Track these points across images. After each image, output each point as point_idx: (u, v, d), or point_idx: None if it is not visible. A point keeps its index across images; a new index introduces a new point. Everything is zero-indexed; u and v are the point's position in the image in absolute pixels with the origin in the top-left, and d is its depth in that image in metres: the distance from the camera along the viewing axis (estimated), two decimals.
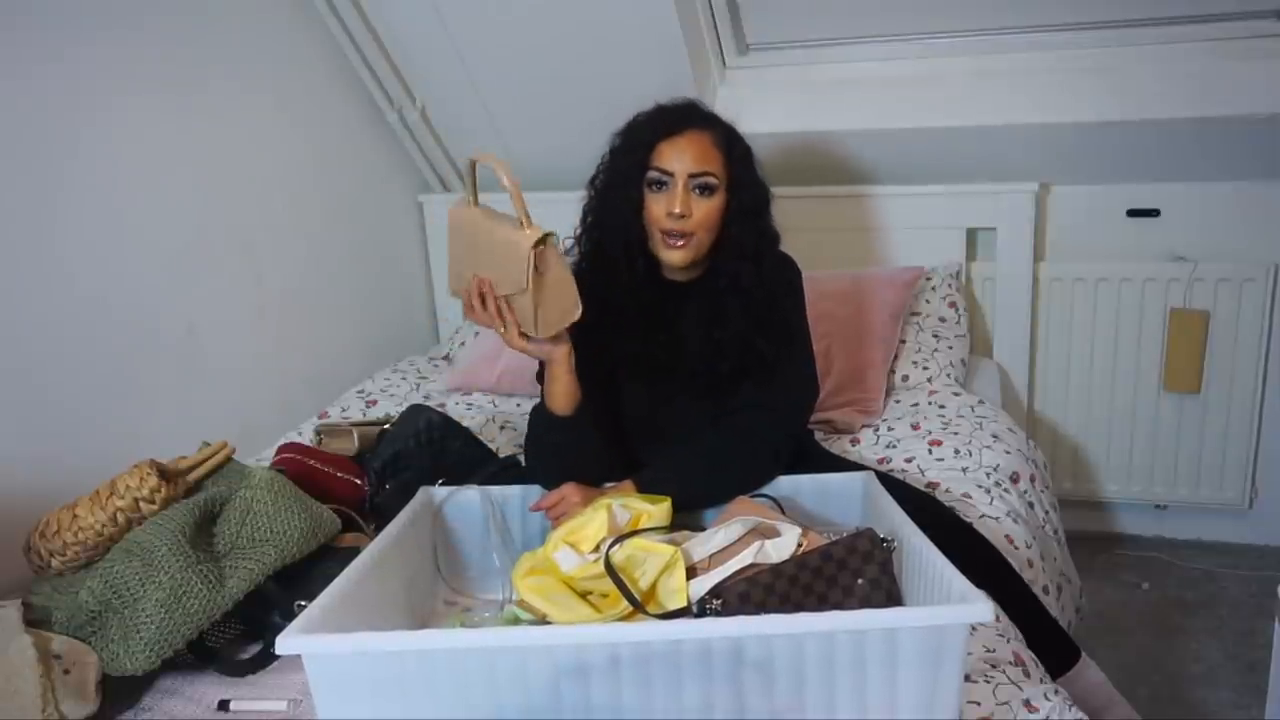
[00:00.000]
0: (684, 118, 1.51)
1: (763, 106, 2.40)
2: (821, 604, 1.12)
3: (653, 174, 1.48)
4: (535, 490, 1.48)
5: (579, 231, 1.59)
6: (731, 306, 1.53)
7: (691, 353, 1.56)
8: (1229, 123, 2.15)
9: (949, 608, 1.00)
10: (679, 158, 1.47)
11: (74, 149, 1.76)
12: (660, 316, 1.57)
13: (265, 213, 2.25)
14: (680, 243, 1.48)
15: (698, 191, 1.47)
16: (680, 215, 1.46)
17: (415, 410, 1.77)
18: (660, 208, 1.48)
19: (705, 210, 1.48)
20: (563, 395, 1.45)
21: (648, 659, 0.96)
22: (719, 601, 1.09)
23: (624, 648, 0.96)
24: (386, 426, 1.77)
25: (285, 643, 0.97)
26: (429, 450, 1.67)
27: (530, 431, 1.54)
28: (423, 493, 1.46)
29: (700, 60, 2.34)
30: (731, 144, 1.52)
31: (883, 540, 1.16)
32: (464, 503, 1.47)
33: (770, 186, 1.57)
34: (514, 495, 1.49)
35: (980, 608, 0.95)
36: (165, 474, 1.37)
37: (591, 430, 1.48)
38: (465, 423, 1.93)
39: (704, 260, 1.54)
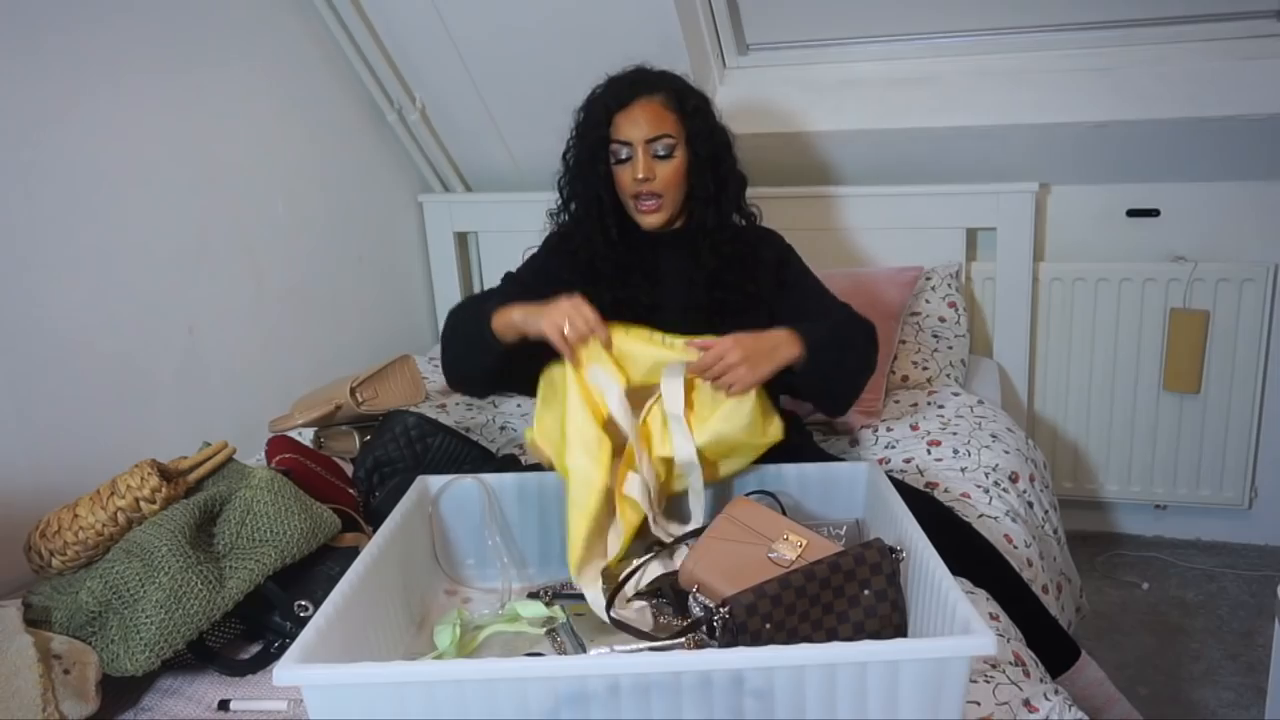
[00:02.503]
0: (631, 86, 1.61)
1: (763, 106, 2.41)
2: (827, 614, 1.12)
3: (614, 146, 1.60)
4: (532, 478, 1.48)
5: (559, 203, 1.71)
6: (703, 249, 1.64)
7: (674, 301, 1.63)
8: (1229, 123, 2.15)
9: (951, 640, 0.98)
10: (634, 126, 1.58)
11: (73, 149, 1.76)
12: (640, 268, 1.66)
13: (265, 213, 2.25)
14: (652, 205, 1.60)
15: (659, 153, 1.57)
16: (645, 179, 1.57)
17: (392, 416, 1.75)
18: (627, 176, 1.60)
19: (668, 170, 1.59)
20: (508, 332, 1.44)
21: (647, 686, 0.95)
22: (726, 610, 1.09)
23: (624, 678, 0.95)
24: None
25: (282, 674, 0.96)
26: (410, 452, 1.67)
27: (459, 317, 1.58)
28: (419, 482, 1.45)
29: (700, 60, 2.33)
30: (683, 100, 1.61)
31: (891, 550, 1.16)
32: (460, 492, 1.46)
33: (731, 130, 1.68)
34: (510, 484, 1.48)
35: (983, 640, 0.94)
36: (165, 474, 1.37)
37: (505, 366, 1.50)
38: (465, 423, 1.93)
39: (679, 214, 1.65)
